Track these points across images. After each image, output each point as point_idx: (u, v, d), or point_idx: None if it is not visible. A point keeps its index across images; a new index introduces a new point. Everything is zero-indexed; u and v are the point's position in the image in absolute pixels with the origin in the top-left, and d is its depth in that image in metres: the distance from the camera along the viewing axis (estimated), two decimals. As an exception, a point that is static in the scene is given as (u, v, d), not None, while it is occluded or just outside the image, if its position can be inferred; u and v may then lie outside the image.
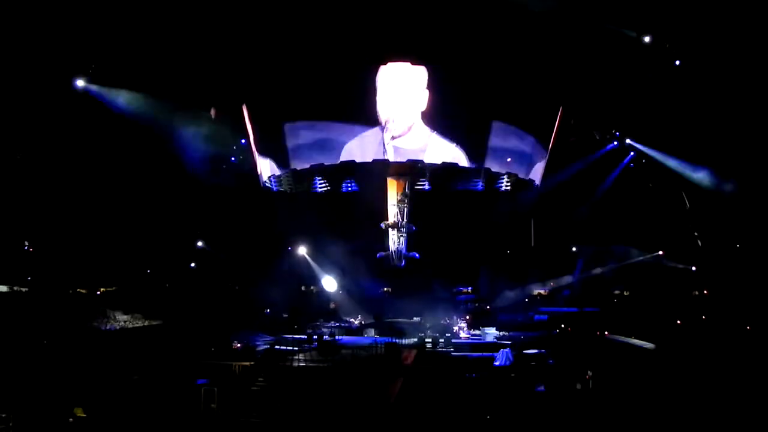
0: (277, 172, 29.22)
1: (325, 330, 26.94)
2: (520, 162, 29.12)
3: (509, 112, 27.72)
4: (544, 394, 18.65)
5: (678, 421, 16.30)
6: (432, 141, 29.35)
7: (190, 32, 25.85)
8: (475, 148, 29.06)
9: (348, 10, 26.07)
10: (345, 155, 29.47)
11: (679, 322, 25.14)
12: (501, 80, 27.19)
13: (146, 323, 26.57)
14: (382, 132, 28.10)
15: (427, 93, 28.85)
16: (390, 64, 28.98)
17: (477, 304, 30.17)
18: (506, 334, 26.30)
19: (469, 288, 31.24)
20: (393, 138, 28.03)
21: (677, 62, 25.51)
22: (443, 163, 28.38)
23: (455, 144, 29.24)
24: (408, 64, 28.85)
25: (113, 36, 25.41)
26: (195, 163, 27.98)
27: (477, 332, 26.96)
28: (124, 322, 26.69)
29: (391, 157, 27.52)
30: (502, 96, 27.45)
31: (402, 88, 28.79)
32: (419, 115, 29.15)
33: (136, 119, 26.54)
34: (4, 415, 16.36)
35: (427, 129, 29.35)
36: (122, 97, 26.53)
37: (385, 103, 28.69)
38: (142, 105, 26.64)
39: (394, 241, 27.84)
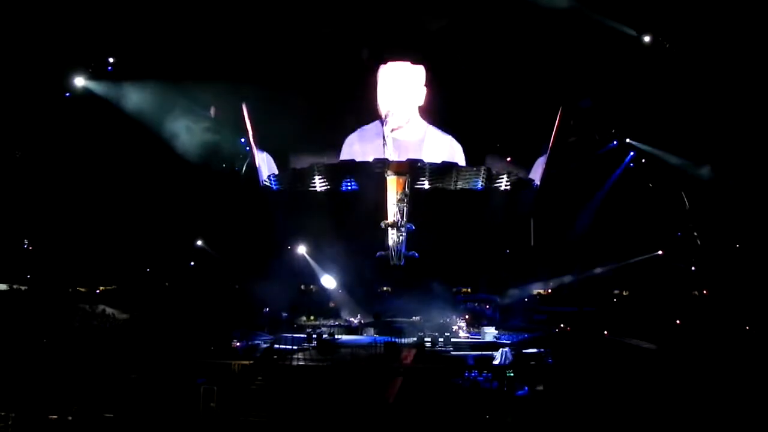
0: (277, 170, 29.26)
1: (324, 329, 26.92)
2: (520, 162, 29.25)
3: (508, 112, 27.84)
4: (540, 394, 18.66)
5: (677, 422, 16.31)
6: (429, 133, 29.68)
7: (190, 31, 25.88)
8: (472, 141, 29.28)
9: (349, 11, 26.18)
10: (346, 148, 29.71)
11: (678, 322, 25.13)
12: (500, 80, 27.34)
13: (145, 322, 26.53)
14: (383, 125, 28.32)
15: (425, 90, 29.11)
16: (390, 63, 29.20)
17: (476, 304, 30.14)
18: (505, 333, 26.30)
19: (469, 288, 31.22)
20: (393, 130, 28.30)
21: (676, 62, 25.52)
22: (443, 162, 28.48)
23: (452, 137, 29.54)
24: (408, 63, 29.06)
25: (112, 34, 25.45)
26: (194, 162, 27.97)
27: (476, 332, 26.96)
28: (124, 320, 26.69)
29: (391, 148, 27.76)
30: (502, 96, 27.59)
31: (402, 85, 29.13)
32: (416, 110, 29.46)
33: (135, 117, 26.55)
34: (3, 414, 16.36)
35: (424, 122, 29.69)
36: (122, 95, 26.50)
37: (385, 98, 29.04)
38: (142, 103, 26.61)
39: (394, 240, 27.84)
